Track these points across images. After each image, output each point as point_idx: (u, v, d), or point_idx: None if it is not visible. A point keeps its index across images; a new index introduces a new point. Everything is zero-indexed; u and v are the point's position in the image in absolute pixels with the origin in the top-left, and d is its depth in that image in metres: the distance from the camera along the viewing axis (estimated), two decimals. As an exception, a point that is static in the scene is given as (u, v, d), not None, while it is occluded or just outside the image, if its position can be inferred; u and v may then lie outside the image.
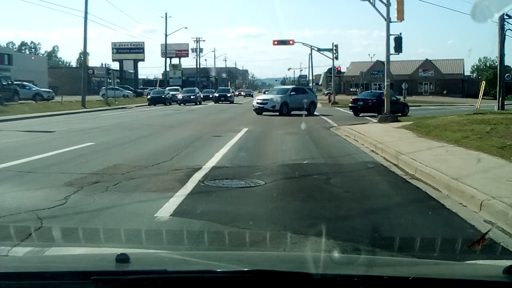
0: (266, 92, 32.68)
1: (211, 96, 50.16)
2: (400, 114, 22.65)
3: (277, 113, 25.40)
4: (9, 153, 10.10)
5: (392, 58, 20.34)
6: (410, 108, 28.24)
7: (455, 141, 10.90)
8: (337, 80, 61.67)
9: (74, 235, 4.52)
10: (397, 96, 29.77)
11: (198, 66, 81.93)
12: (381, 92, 27.51)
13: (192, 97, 43.44)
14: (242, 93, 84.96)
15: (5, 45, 79.28)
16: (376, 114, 21.94)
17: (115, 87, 47.99)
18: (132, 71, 79.03)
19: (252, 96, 74.61)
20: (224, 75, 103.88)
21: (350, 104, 27.16)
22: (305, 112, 25.51)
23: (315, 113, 27.13)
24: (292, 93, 27.42)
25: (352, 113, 25.98)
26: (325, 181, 7.57)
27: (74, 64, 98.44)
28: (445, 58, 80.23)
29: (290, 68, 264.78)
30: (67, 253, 3.83)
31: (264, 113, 25.75)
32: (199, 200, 6.07)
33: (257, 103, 26.84)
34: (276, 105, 25.89)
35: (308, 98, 27.29)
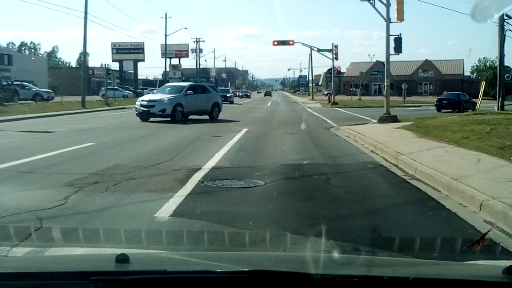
0: (155, 91, 24.68)
1: None
2: (470, 110, 28.62)
3: (168, 119, 19.96)
4: (9, 153, 10.09)
5: (392, 58, 20.35)
6: (409, 108, 31.93)
7: (455, 142, 10.90)
8: (337, 81, 61.67)
9: (74, 236, 4.52)
10: (468, 96, 34.06)
11: (198, 67, 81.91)
12: (460, 93, 34.00)
13: (191, 97, 43.26)
14: (238, 93, 72.04)
15: (5, 46, 79.39)
16: (456, 110, 28.18)
17: (115, 87, 47.99)
18: (132, 71, 79.09)
19: (249, 97, 73.59)
20: (224, 76, 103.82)
21: (435, 103, 31.48)
22: (207, 117, 21.66)
23: (220, 117, 22.06)
24: (188, 92, 21.32)
25: (435, 109, 30.01)
26: (325, 182, 7.57)
27: (74, 64, 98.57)
28: (445, 58, 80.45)
29: (290, 69, 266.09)
30: (67, 254, 3.82)
31: (151, 119, 20.02)
32: (199, 201, 6.07)
33: (141, 105, 20.55)
34: (166, 108, 20.02)
35: (210, 99, 22.26)
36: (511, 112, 22.28)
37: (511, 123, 14.09)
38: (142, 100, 21.18)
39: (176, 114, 20.15)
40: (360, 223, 5.09)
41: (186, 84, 23.56)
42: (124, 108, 35.58)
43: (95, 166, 8.53)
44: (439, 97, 32.69)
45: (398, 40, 19.32)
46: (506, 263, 1.83)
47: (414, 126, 15.29)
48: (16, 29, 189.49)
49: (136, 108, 21.02)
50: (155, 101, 20.55)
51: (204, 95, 22.10)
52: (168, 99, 20.44)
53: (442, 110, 29.10)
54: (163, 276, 1.77)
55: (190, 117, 21.04)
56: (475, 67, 72.33)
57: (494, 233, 4.61)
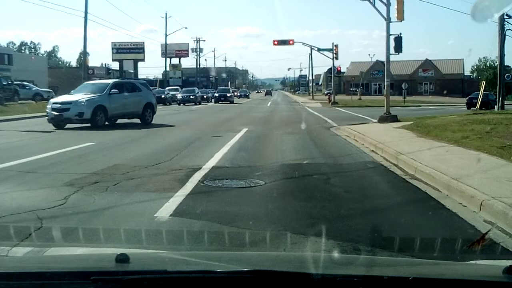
0: (72, 91, 19.40)
1: (205, 96, 49.94)
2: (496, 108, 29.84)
3: (88, 124, 16.50)
4: (9, 153, 10.10)
5: (392, 58, 20.34)
6: (409, 108, 32.79)
7: (455, 141, 10.90)
8: (337, 80, 61.67)
9: (74, 235, 4.52)
10: (494, 96, 35.55)
11: (198, 66, 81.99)
12: (488, 93, 36.08)
13: (191, 97, 43.45)
14: (236, 93, 67.15)
15: (5, 45, 79.37)
16: (484, 108, 29.95)
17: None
18: (132, 71, 79.00)
19: (248, 97, 73.19)
20: (224, 75, 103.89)
21: (466, 101, 34.71)
22: (138, 120, 18.49)
23: (154, 122, 18.91)
24: (113, 90, 17.67)
25: (466, 107, 33.05)
26: (325, 181, 7.57)
27: (74, 64, 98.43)
28: (445, 58, 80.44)
29: (290, 68, 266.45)
30: (67, 253, 3.83)
31: (68, 125, 16.50)
32: (199, 200, 6.07)
33: (53, 109, 16.65)
34: (84, 111, 16.38)
35: (141, 99, 18.79)
36: (511, 112, 22.30)
37: (511, 123, 14.09)
38: (54, 103, 17.06)
39: (98, 118, 16.73)
40: (360, 223, 5.09)
41: (110, 81, 19.28)
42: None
43: (95, 165, 8.53)
44: (470, 96, 36.56)
45: (398, 40, 19.32)
46: (506, 263, 1.83)
47: (414, 126, 15.28)
48: (16, 29, 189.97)
49: (47, 113, 17.04)
50: (69, 103, 16.68)
51: (133, 95, 18.58)
52: (86, 100, 16.70)
53: (472, 108, 31.88)
54: (163, 276, 1.77)
55: (119, 121, 18.33)
56: (475, 67, 72.35)
57: (494, 232, 4.61)
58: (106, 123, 17.33)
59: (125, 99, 18.11)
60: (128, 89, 18.81)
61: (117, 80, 20.15)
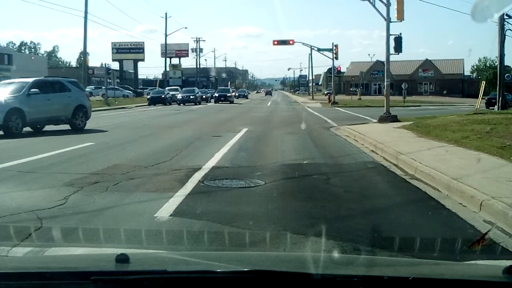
0: None
1: (205, 96, 49.92)
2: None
3: (1, 132, 13.90)
4: (9, 153, 10.11)
5: (392, 58, 20.33)
6: (409, 108, 32.93)
7: (455, 141, 10.90)
8: (337, 80, 61.62)
9: (74, 235, 4.52)
10: (511, 95, 37.84)
11: (198, 66, 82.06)
12: (506, 94, 35.30)
13: (191, 97, 43.51)
14: (234, 94, 63.03)
15: (5, 45, 79.44)
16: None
17: (115, 87, 48.05)
18: (132, 71, 79.21)
19: (247, 97, 72.65)
20: (224, 75, 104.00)
21: (485, 101, 34.68)
22: (68, 126, 15.98)
23: (88, 127, 16.43)
24: (33, 90, 14.78)
25: (485, 106, 33.15)
26: (325, 181, 7.57)
27: (74, 64, 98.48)
28: (445, 58, 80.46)
29: (290, 68, 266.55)
30: (67, 253, 3.82)
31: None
32: (199, 200, 6.07)
33: None
34: None
35: (70, 100, 16.05)
36: (511, 112, 22.30)
37: (511, 123, 14.09)
38: None
39: (12, 124, 13.92)
40: (360, 223, 5.08)
41: (29, 80, 15.59)
42: (125, 107, 35.68)
43: (95, 165, 8.53)
44: (488, 97, 37.36)
45: (398, 40, 19.31)
46: (506, 263, 1.83)
47: (414, 126, 15.27)
48: (16, 29, 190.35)
49: None
50: None
51: (60, 95, 15.87)
52: None
53: (490, 107, 32.81)
54: (163, 276, 1.77)
55: (47, 127, 15.87)
56: (475, 67, 72.37)
57: (494, 232, 4.61)
58: (29, 129, 15.04)
59: (49, 101, 15.34)
60: (53, 89, 16.03)
61: (39, 78, 16.43)
